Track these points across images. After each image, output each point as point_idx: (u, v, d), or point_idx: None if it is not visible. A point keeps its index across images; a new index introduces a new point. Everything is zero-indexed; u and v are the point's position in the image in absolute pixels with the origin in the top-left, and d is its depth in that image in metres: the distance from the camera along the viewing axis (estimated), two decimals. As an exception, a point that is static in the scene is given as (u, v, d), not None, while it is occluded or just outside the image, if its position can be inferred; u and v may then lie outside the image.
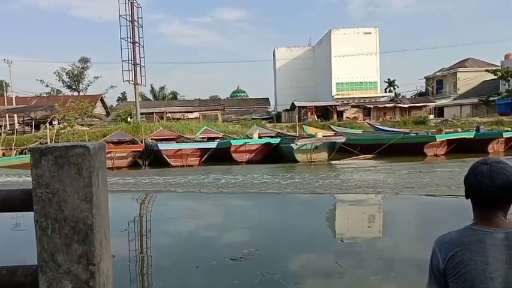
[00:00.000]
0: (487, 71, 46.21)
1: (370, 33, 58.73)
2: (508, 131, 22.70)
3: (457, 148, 19.42)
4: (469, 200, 1.70)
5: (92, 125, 34.39)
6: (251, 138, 20.92)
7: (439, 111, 51.01)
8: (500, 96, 44.82)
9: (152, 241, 6.15)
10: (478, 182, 1.62)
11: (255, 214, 8.02)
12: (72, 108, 28.20)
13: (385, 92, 65.76)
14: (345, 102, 52.13)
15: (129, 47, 32.56)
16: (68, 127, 26.26)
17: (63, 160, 1.37)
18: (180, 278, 4.48)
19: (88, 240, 1.40)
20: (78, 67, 59.99)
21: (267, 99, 62.72)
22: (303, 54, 66.95)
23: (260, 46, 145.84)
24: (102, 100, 54.86)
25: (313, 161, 17.81)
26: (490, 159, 1.66)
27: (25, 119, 36.70)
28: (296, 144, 17.93)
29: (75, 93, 57.05)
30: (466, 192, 1.70)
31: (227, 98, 70.38)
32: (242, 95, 70.43)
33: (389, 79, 72.39)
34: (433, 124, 36.04)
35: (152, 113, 42.27)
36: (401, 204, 8.20)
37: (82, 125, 30.78)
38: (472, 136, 20.10)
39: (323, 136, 19.46)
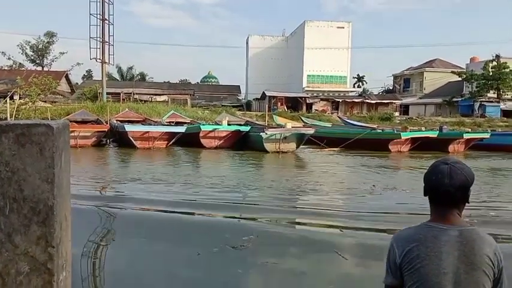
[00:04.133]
0: (452, 72, 47.74)
1: (343, 27, 59.33)
2: (468, 132, 23.60)
3: (420, 146, 20.01)
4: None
5: (55, 102, 33.21)
6: (220, 124, 20.78)
7: (405, 109, 52.39)
8: (463, 98, 46.49)
9: (149, 226, 5.96)
10: (438, 180, 1.68)
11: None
12: (35, 84, 27.09)
13: (354, 87, 66.86)
14: (315, 94, 52.64)
15: (98, 24, 31.51)
16: (30, 103, 25.29)
17: (25, 138, 1.32)
18: (182, 264, 4.42)
19: (48, 222, 1.36)
20: (44, 41, 57.50)
21: (238, 86, 62.41)
22: (276, 44, 66.90)
23: (234, 32, 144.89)
24: (67, 77, 52.99)
25: (282, 151, 17.93)
26: (450, 159, 1.73)
27: (-17, 91, 35.00)
28: (266, 134, 17.96)
29: (39, 68, 54.80)
30: (425, 189, 1.76)
31: (197, 83, 69.46)
32: (213, 80, 69.75)
33: (358, 75, 73.78)
34: (398, 121, 37.00)
35: (119, 94, 41.20)
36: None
37: (45, 101, 29.68)
38: (436, 135, 20.74)
39: (292, 127, 19.56)
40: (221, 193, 8.30)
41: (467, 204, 1.73)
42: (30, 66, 56.54)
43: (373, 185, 9.79)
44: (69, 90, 51.40)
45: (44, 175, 1.34)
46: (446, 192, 1.67)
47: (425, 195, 1.77)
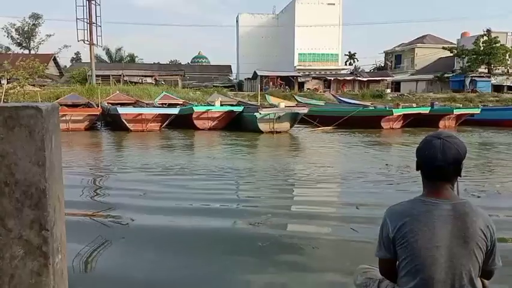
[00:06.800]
0: (443, 48, 47.64)
1: (333, 4, 58.73)
2: (459, 107, 23.77)
3: (412, 122, 20.13)
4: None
5: (43, 86, 32.81)
6: (213, 105, 20.66)
7: (396, 86, 52.47)
8: (454, 74, 46.59)
9: (169, 204, 5.92)
10: (431, 155, 1.68)
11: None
12: (22, 67, 26.66)
13: (346, 64, 66.68)
14: (306, 73, 52.44)
15: (85, 5, 30.95)
16: (18, 87, 24.94)
17: (13, 121, 1.30)
18: (205, 239, 4.47)
19: (41, 205, 1.35)
20: (29, 23, 56.52)
21: (229, 66, 61.92)
22: (266, 22, 66.18)
23: (224, 11, 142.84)
24: (55, 60, 52.29)
25: (276, 131, 17.92)
26: (442, 133, 1.73)
27: (-30, 76, 34.36)
28: (260, 114, 17.90)
29: (26, 52, 53.92)
30: (417, 164, 1.77)
31: (188, 63, 68.76)
32: (203, 61, 69.05)
33: (350, 52, 73.38)
34: (390, 98, 37.09)
35: (108, 76, 40.73)
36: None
37: (33, 85, 29.28)
38: (427, 111, 20.84)
39: (286, 106, 19.51)
40: (229, 188, 7.50)
41: (459, 178, 1.74)
42: (16, 49, 55.64)
43: (386, 164, 9.41)
44: (58, 74, 50.78)
45: (35, 158, 1.33)
46: (439, 167, 1.67)
47: (417, 169, 1.78)
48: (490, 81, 43.98)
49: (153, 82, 41.66)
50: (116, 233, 4.61)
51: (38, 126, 1.32)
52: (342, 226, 5.02)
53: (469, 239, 1.62)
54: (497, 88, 43.61)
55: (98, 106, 20.05)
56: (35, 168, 1.33)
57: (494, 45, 42.37)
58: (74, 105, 20.97)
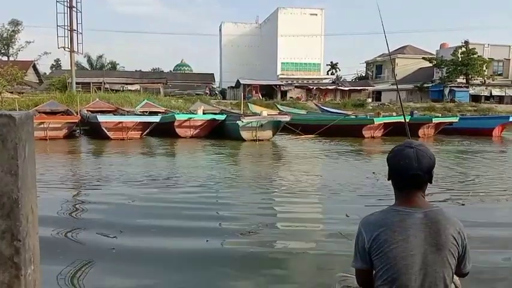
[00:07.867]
0: (423, 58, 48.63)
1: (316, 14, 59.50)
2: (438, 116, 24.25)
3: (392, 131, 20.40)
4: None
5: (22, 93, 32.25)
6: (195, 113, 20.57)
7: (377, 95, 53.20)
8: (433, 84, 47.55)
9: (155, 215, 5.83)
10: (407, 164, 1.71)
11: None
12: (1, 74, 26.18)
13: (328, 74, 67.40)
14: (289, 82, 52.82)
15: (66, 12, 30.61)
16: (-4, 94, 24.50)
17: (-15, 130, 1.29)
18: (192, 250, 4.35)
19: (13, 215, 1.33)
20: (8, 30, 55.44)
21: (212, 75, 61.90)
22: (249, 31, 66.56)
23: (207, 20, 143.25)
24: (34, 67, 51.49)
25: (258, 139, 17.92)
26: (414, 143, 1.77)
27: None
28: (242, 122, 17.89)
29: (5, 58, 52.94)
30: (390, 174, 1.79)
31: (170, 71, 68.42)
32: (186, 69, 68.84)
33: (332, 62, 74.26)
34: (371, 107, 37.61)
35: (89, 83, 40.23)
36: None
37: (12, 92, 28.78)
38: (408, 120, 21.16)
39: (268, 114, 19.56)
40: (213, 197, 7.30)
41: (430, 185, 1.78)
42: (-6, 56, 54.59)
43: (373, 172, 9.42)
44: (37, 81, 49.99)
45: (7, 167, 1.31)
46: (415, 176, 1.70)
47: (389, 179, 1.80)
48: (468, 91, 45.04)
49: (139, 89, 41.27)
50: (101, 250, 4.38)
51: (10, 135, 1.30)
52: (330, 233, 5.04)
53: (442, 246, 1.65)
54: (475, 98, 44.70)
55: (77, 114, 19.77)
56: (7, 177, 1.31)
57: (471, 56, 43.47)
58: (53, 113, 20.58)
